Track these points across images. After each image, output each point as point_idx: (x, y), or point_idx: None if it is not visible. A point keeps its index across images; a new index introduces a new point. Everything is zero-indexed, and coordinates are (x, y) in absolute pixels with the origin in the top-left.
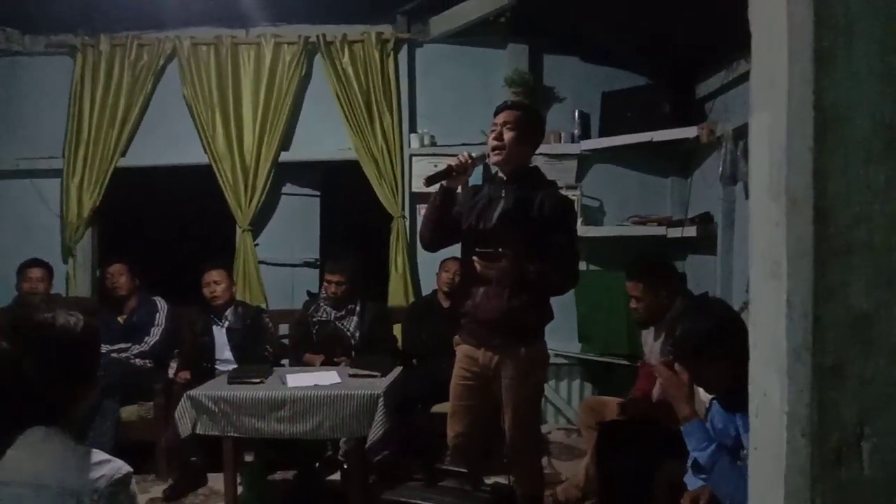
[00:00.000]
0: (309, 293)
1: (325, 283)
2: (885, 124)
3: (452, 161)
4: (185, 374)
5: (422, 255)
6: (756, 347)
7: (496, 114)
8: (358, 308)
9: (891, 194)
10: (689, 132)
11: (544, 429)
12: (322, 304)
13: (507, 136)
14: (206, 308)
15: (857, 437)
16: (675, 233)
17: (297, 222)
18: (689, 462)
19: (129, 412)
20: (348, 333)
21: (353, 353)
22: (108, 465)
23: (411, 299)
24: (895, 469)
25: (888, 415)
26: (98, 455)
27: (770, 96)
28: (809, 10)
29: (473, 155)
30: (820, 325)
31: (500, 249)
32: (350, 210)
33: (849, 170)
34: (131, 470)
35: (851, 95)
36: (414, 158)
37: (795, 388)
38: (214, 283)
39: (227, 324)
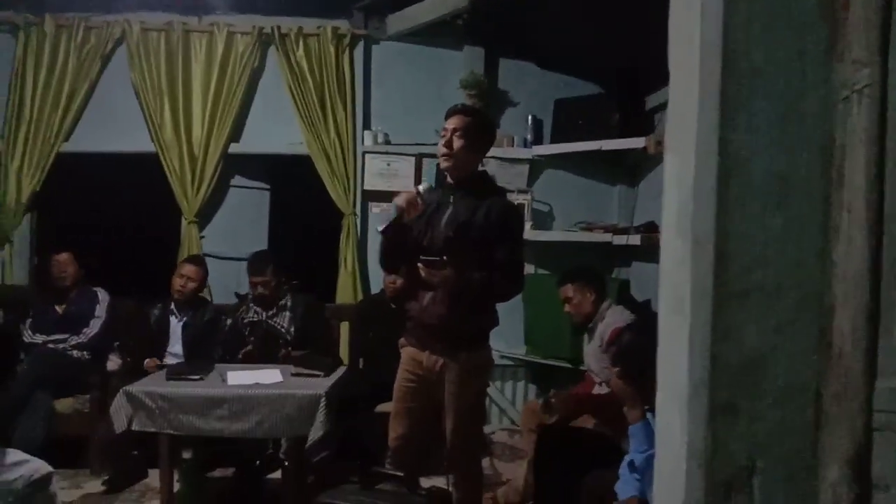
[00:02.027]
0: (237, 295)
1: (251, 286)
2: (780, 174)
3: (400, 201)
4: (154, 361)
5: (372, 253)
6: (662, 378)
7: (447, 117)
8: (289, 303)
9: (786, 241)
10: (637, 142)
11: (488, 429)
12: (251, 304)
13: (457, 143)
14: (166, 297)
15: (748, 470)
16: (620, 240)
17: (246, 216)
18: (626, 461)
19: (64, 405)
20: (283, 330)
21: (291, 348)
22: (25, 466)
23: (360, 297)
24: (783, 502)
25: (777, 451)
26: (15, 455)
27: (681, 139)
28: (719, 60)
29: (420, 189)
30: (716, 363)
31: (445, 257)
32: (300, 205)
33: (748, 215)
34: (51, 470)
35: (751, 145)
36: (367, 156)
37: (693, 422)
38: (188, 278)
39: (185, 318)
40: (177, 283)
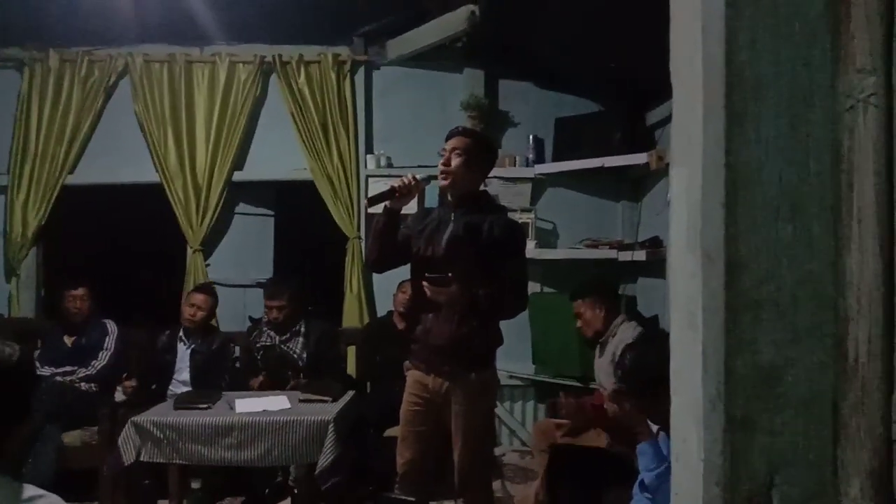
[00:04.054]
0: (251, 319)
1: (266, 309)
2: (791, 185)
3: (396, 182)
4: (131, 382)
5: (377, 276)
6: (676, 394)
7: (447, 139)
8: (303, 329)
9: (797, 253)
10: (640, 158)
11: (498, 451)
12: (265, 328)
13: (455, 162)
14: (174, 325)
15: (766, 486)
16: (625, 256)
17: (251, 242)
18: (637, 482)
19: (72, 437)
20: (295, 356)
21: (302, 374)
22: (41, 500)
23: (366, 321)
24: None
25: (796, 465)
26: (30, 490)
27: (687, 153)
28: (722, 73)
29: (418, 177)
30: (731, 377)
31: (449, 275)
32: (305, 230)
33: (758, 227)
34: None
35: (759, 156)
36: (370, 180)
37: (710, 438)
38: (198, 307)
39: (193, 346)
40: (187, 311)
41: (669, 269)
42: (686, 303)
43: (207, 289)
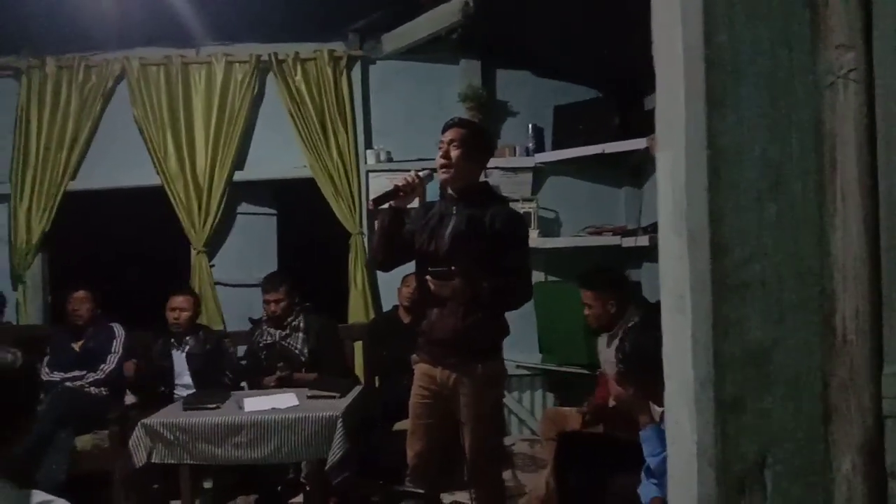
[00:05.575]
0: (251, 320)
1: (265, 304)
2: (773, 164)
3: (399, 181)
4: (131, 364)
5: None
6: (669, 378)
7: (444, 130)
8: (301, 324)
9: (782, 232)
10: (639, 143)
11: (508, 440)
12: (265, 327)
13: (454, 153)
14: (166, 331)
15: (759, 466)
16: (629, 242)
17: (254, 242)
18: (644, 467)
19: (83, 442)
20: (297, 351)
21: (304, 370)
22: None
23: (371, 316)
24: (796, 497)
25: (788, 444)
26: (39, 496)
27: (670, 136)
28: (702, 55)
29: (421, 174)
30: (720, 358)
31: (453, 268)
32: (307, 228)
33: (742, 207)
34: None
35: (741, 137)
36: (370, 174)
37: (702, 419)
38: (180, 309)
39: (187, 348)
40: (170, 316)
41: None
42: (674, 286)
43: (186, 289)
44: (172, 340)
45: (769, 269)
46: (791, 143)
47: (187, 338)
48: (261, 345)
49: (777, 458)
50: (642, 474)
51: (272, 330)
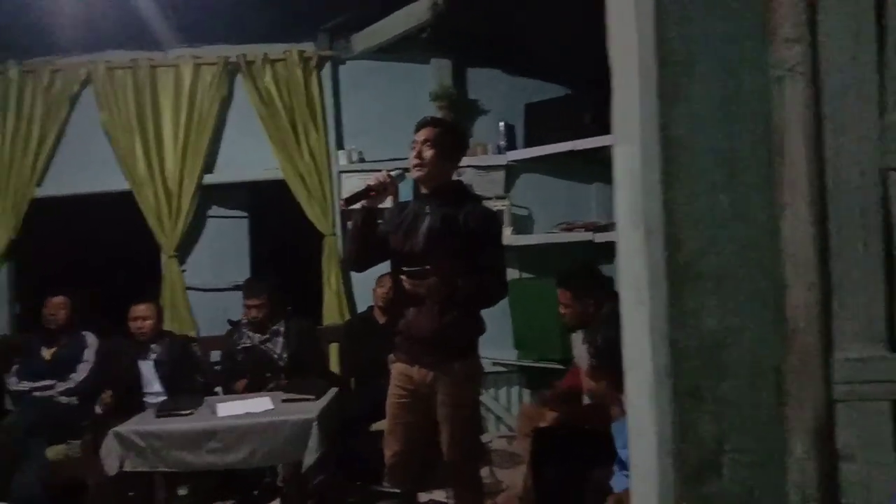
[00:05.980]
0: (230, 322)
1: (246, 309)
2: (725, 155)
3: (371, 181)
4: (108, 394)
5: (356, 273)
6: (629, 369)
7: (416, 130)
8: (282, 329)
9: (736, 223)
10: (610, 140)
11: (485, 437)
12: (245, 330)
13: (427, 153)
14: (131, 342)
15: (715, 454)
16: (601, 237)
17: (226, 245)
18: (616, 460)
19: (56, 452)
20: (276, 356)
21: (283, 374)
22: None
23: (347, 317)
24: (753, 482)
25: (744, 432)
26: None
27: (626, 130)
28: (654, 50)
29: (392, 173)
30: (677, 349)
31: (428, 267)
32: (280, 230)
33: (696, 199)
34: None
35: (693, 130)
36: (343, 175)
37: (660, 410)
38: (142, 318)
39: (153, 356)
40: (133, 326)
41: (617, 246)
42: (633, 279)
43: (145, 298)
44: (137, 350)
45: (723, 261)
46: (743, 136)
47: (153, 346)
48: (239, 347)
49: (734, 446)
50: (615, 466)
51: (252, 333)
